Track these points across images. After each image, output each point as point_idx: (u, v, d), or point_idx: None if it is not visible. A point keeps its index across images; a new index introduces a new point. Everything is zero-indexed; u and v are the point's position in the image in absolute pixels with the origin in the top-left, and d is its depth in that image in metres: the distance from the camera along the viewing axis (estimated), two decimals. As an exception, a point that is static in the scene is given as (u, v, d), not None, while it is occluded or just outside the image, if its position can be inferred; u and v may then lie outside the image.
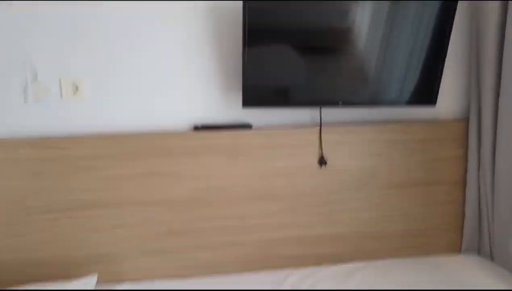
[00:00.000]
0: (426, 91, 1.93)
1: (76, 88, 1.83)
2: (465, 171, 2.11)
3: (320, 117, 1.96)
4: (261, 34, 1.75)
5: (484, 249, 2.09)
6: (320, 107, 1.95)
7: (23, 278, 1.75)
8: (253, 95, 1.82)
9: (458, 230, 2.15)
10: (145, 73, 1.88)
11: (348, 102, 1.89)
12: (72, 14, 1.79)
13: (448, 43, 1.88)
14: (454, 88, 2.13)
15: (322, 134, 1.96)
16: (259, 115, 1.98)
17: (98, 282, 1.78)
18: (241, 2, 1.72)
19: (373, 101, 1.92)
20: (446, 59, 1.93)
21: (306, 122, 2.02)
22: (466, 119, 2.11)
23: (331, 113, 2.02)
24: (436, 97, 1.94)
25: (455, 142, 2.09)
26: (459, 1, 1.95)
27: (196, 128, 1.92)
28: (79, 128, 1.85)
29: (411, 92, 1.92)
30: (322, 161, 1.97)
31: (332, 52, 1.82)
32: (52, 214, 1.83)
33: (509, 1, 1.82)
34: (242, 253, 2.01)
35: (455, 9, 1.84)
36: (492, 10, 1.89)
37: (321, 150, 1.97)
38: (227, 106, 1.95)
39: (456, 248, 2.16)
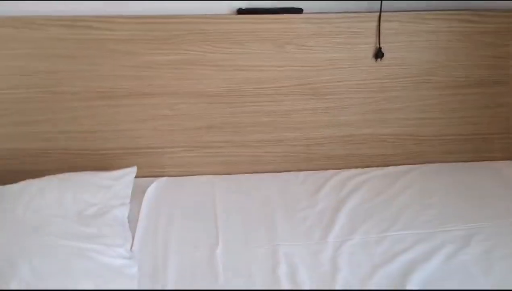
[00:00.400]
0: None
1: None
2: (538, 70, 1.88)
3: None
4: None
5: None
6: (382, -12, 1.70)
7: (57, 168, 1.68)
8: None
9: (518, 136, 1.99)
10: None
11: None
12: None
13: None
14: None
15: (381, 22, 1.73)
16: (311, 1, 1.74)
17: (136, 176, 1.71)
18: None
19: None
20: None
21: (362, 9, 1.77)
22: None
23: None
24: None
25: (532, 37, 1.84)
26: None
27: (240, 11, 1.71)
28: (113, 7, 1.66)
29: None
30: (378, 54, 1.77)
31: None
32: (87, 102, 1.72)
33: None
34: (284, 151, 1.90)
35: None
36: None
37: (379, 40, 1.75)
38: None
39: (512, 154, 2.02)
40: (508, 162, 1.95)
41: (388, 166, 1.92)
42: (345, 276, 1.35)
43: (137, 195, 1.68)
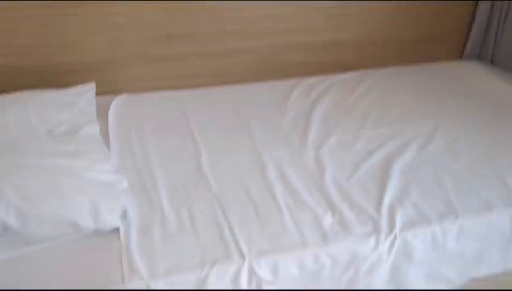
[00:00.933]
0: None
1: None
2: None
3: None
4: None
5: (485, 55, 2.09)
6: None
7: (8, 88, 1.47)
8: None
9: (462, 37, 2.10)
10: None
11: None
12: None
13: None
14: None
15: None
16: None
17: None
18: None
19: None
20: None
21: None
22: None
23: None
24: None
25: None
26: None
27: None
28: None
29: None
30: (341, -47, 1.73)
31: None
32: (28, 11, 1.50)
33: None
34: (248, 60, 1.85)
35: None
36: None
37: None
38: None
39: (458, 54, 2.13)
40: (459, 61, 2.09)
41: (349, 70, 1.95)
42: (332, 173, 1.39)
43: (100, 113, 1.54)
